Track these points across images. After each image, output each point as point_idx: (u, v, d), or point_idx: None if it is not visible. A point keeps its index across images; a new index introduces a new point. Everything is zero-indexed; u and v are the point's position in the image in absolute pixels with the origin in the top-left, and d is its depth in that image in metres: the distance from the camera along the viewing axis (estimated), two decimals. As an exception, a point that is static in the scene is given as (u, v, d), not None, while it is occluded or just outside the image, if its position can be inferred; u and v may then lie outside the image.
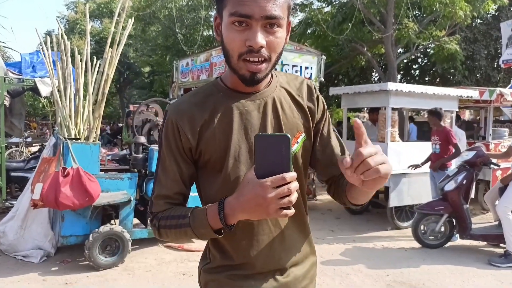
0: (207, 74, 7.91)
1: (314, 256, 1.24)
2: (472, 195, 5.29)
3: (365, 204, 1.15)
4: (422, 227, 5.00)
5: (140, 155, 4.58)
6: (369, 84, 6.95)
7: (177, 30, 15.44)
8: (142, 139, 4.70)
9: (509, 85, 10.29)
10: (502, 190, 4.73)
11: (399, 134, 6.40)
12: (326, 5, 13.93)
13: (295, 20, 14.24)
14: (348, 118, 7.86)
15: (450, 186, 4.86)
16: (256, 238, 1.10)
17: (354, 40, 12.05)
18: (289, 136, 0.87)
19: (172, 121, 1.08)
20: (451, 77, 14.36)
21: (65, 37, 4.80)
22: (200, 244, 4.55)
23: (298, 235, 1.17)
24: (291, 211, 0.88)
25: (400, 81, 15.04)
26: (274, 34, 0.98)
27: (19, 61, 7.39)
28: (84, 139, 4.45)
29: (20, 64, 7.18)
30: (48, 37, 5.05)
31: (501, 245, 4.77)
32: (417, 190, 5.75)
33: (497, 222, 4.92)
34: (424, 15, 12.54)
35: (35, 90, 6.34)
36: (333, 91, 7.15)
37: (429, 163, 5.55)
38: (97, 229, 4.07)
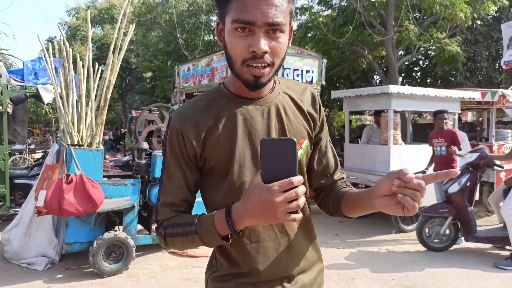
0: (209, 79, 7.93)
1: (321, 262, 1.23)
2: (477, 197, 5.27)
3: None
4: (426, 230, 4.97)
5: (143, 161, 4.58)
6: (371, 87, 6.97)
7: (178, 35, 15.49)
8: (145, 145, 4.70)
9: (511, 86, 10.27)
10: (506, 192, 4.70)
11: (402, 136, 6.40)
12: (326, 9, 13.96)
13: (295, 24, 14.27)
14: (350, 122, 7.86)
15: (454, 188, 4.84)
16: (262, 244, 1.10)
17: (355, 43, 12.07)
18: (295, 140, 0.87)
19: (176, 127, 1.08)
20: (453, 79, 14.35)
21: (67, 43, 4.83)
22: (204, 250, 4.54)
23: (304, 241, 1.17)
24: (299, 215, 0.88)
25: (402, 84, 15.04)
26: (277, 39, 0.99)
27: (21, 68, 7.42)
28: (87, 146, 4.45)
29: (23, 71, 7.20)
30: (50, 44, 5.07)
31: (507, 247, 4.75)
32: (420, 193, 5.72)
33: (502, 224, 4.89)
34: (425, 17, 12.55)
35: (37, 97, 6.36)
36: (334, 94, 7.15)
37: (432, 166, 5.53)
38: (101, 236, 4.06)
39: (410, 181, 0.85)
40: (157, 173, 4.45)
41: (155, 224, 1.13)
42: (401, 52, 13.01)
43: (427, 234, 4.97)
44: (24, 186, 5.67)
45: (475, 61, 13.98)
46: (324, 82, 7.69)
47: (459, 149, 5.19)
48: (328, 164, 1.23)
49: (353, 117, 15.51)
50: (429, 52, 14.44)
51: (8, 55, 12.29)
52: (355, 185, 5.84)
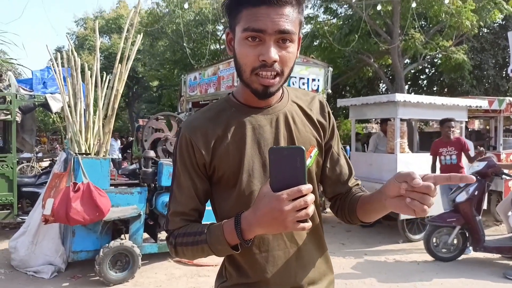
0: (215, 88, 7.97)
1: (331, 274, 1.22)
2: (485, 206, 5.21)
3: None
4: (434, 240, 4.92)
5: (150, 169, 4.60)
6: (377, 95, 6.95)
7: (184, 44, 15.62)
8: (152, 154, 4.73)
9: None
10: (515, 201, 4.66)
11: (408, 145, 6.37)
12: (332, 18, 14.03)
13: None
14: (357, 134, 7.84)
15: (461, 197, 4.80)
16: (272, 254, 1.09)
17: (361, 52, 12.10)
18: (303, 148, 0.87)
19: (186, 137, 1.09)
20: (459, 87, 14.30)
21: (75, 53, 4.88)
22: (210, 259, 4.52)
23: (314, 251, 1.16)
24: (309, 224, 0.88)
25: (408, 92, 15.01)
26: (286, 49, 1.00)
27: (30, 77, 7.51)
28: (95, 154, 4.48)
29: (31, 80, 7.29)
30: (59, 54, 5.13)
31: (516, 257, 4.69)
32: (428, 202, 5.67)
33: (511, 234, 4.83)
34: (430, 26, 12.57)
35: (46, 106, 6.43)
36: (340, 102, 7.15)
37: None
38: (107, 244, 4.07)
39: (418, 186, 0.84)
40: (164, 182, 4.47)
41: (166, 233, 1.13)
42: (407, 60, 13.02)
43: (435, 244, 4.92)
44: (32, 194, 5.71)
45: (482, 69, 13.93)
46: (330, 91, 7.69)
47: (469, 156, 5.17)
48: (342, 171, 1.22)
49: (359, 125, 15.47)
50: (435, 60, 14.42)
51: (18, 64, 12.47)
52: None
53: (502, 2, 10.63)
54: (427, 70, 16.37)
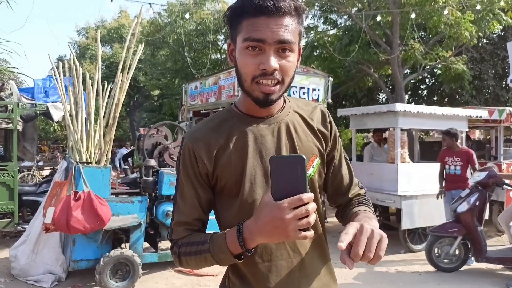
0: (216, 97, 8.00)
1: (335, 285, 1.21)
2: (486, 216, 5.19)
3: None
4: (436, 250, 4.90)
5: (150, 178, 4.60)
6: (377, 105, 6.98)
7: (186, 54, 15.72)
8: (152, 162, 4.73)
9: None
10: (516, 211, 4.64)
11: (409, 155, 6.37)
12: (332, 28, 14.13)
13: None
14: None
15: (462, 207, 4.78)
16: (274, 263, 1.09)
17: (361, 62, 12.17)
18: (304, 157, 0.88)
19: (189, 147, 1.10)
20: (459, 97, 14.35)
21: (77, 62, 4.91)
22: (211, 269, 4.50)
23: (318, 262, 1.16)
24: (311, 233, 0.88)
25: (408, 102, 15.06)
26: (286, 58, 1.01)
27: (32, 86, 7.54)
28: (96, 163, 4.49)
29: (33, 89, 7.32)
30: (60, 63, 5.17)
31: (518, 268, 4.66)
32: (429, 212, 5.66)
33: (513, 244, 4.81)
34: (430, 36, 12.65)
35: (47, 114, 6.45)
36: (341, 112, 7.17)
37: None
38: (107, 253, 4.06)
39: (351, 267, 0.87)
40: (164, 191, 4.46)
41: (170, 243, 1.14)
42: (407, 71, 13.07)
43: (437, 254, 4.90)
44: (32, 203, 5.70)
45: (482, 79, 13.99)
46: (330, 100, 7.72)
47: (474, 169, 5.16)
48: (342, 181, 1.23)
49: (360, 135, 15.49)
50: (435, 71, 14.48)
51: (19, 73, 12.53)
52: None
53: (501, 13, 10.71)
54: (427, 80, 16.44)
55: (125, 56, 4.70)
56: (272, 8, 0.97)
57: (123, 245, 4.52)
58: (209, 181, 1.11)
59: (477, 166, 5.28)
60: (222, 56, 18.50)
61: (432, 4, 10.26)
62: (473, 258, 4.92)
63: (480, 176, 4.91)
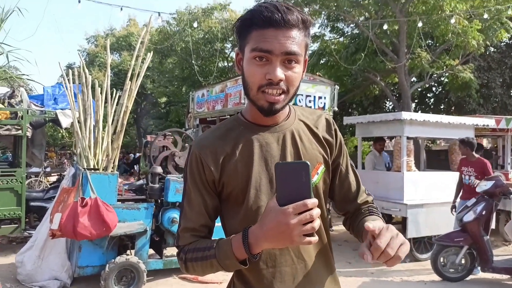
0: (222, 105, 8.05)
1: None
2: (493, 226, 5.15)
3: None
4: (441, 259, 4.86)
5: (157, 185, 4.63)
6: (384, 113, 6.99)
7: (193, 62, 15.85)
8: (159, 169, 4.77)
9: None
10: (524, 221, 4.60)
11: (415, 163, 6.35)
12: (339, 36, 14.17)
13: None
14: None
15: (469, 217, 4.75)
16: (279, 269, 1.10)
17: (367, 70, 12.17)
18: (308, 163, 0.90)
19: (196, 155, 1.13)
20: (466, 106, 14.27)
21: (86, 70, 4.98)
22: (214, 276, 4.51)
23: (322, 270, 1.16)
24: (315, 238, 0.90)
25: (415, 110, 15.00)
26: (292, 69, 1.05)
27: (42, 93, 7.65)
28: (103, 169, 4.53)
29: (43, 96, 7.42)
30: (70, 70, 5.24)
31: (526, 278, 4.60)
32: (435, 221, 5.63)
33: (520, 255, 4.76)
34: (437, 45, 12.63)
35: (56, 121, 6.53)
36: (347, 120, 7.18)
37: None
38: (113, 260, 4.08)
39: (370, 260, 0.92)
40: (170, 198, 4.49)
41: (176, 249, 1.16)
42: (413, 79, 13.05)
43: (442, 264, 4.86)
44: (39, 209, 5.75)
45: (489, 88, 13.92)
46: (336, 108, 7.74)
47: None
48: (350, 188, 1.25)
49: (366, 143, 15.45)
50: (442, 79, 14.44)
51: (29, 79, 12.71)
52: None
53: (508, 22, 10.68)
54: (434, 89, 16.38)
55: (134, 64, 4.76)
56: (280, 21, 1.00)
57: (128, 252, 4.55)
58: (215, 188, 1.13)
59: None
60: (229, 64, 18.61)
61: (439, 13, 10.28)
62: (479, 268, 4.88)
63: (487, 185, 4.88)
